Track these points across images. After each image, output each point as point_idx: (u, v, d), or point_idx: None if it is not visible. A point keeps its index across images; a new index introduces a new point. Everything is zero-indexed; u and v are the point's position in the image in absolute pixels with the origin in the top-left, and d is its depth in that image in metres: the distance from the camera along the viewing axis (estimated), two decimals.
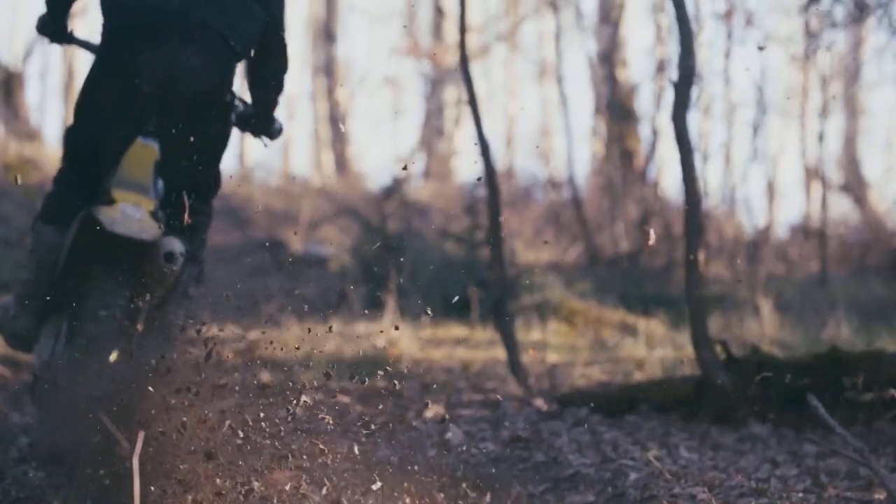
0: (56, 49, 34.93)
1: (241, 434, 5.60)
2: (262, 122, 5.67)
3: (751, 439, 6.25)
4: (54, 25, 5.60)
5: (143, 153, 5.25)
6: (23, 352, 5.84)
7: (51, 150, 20.58)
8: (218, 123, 5.32)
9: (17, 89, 19.48)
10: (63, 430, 4.91)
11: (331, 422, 6.22)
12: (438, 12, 22.45)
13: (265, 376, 7.67)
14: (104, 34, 5.28)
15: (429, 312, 7.76)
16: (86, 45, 5.65)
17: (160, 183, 5.27)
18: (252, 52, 5.40)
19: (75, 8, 5.69)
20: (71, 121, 5.42)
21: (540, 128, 27.48)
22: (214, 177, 5.45)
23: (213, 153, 5.34)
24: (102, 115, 5.24)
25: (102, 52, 5.30)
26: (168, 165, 5.25)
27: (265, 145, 5.86)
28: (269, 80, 5.61)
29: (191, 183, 5.21)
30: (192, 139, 5.12)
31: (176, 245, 5.22)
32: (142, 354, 4.99)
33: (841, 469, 5.63)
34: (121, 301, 5.23)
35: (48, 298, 5.31)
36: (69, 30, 5.62)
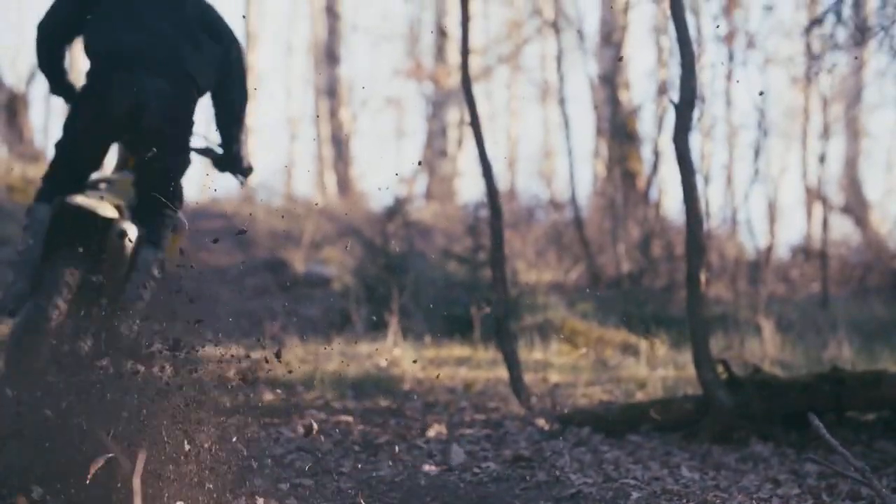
0: None
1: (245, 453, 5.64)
2: (232, 162, 6.54)
3: (752, 459, 6.26)
4: (62, 88, 6.59)
5: (123, 185, 6.40)
6: (9, 316, 6.38)
7: None
8: (181, 143, 6.31)
9: (21, 111, 19.53)
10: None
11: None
12: (441, 34, 22.52)
13: (268, 396, 7.71)
14: (87, 71, 6.28)
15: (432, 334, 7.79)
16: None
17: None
18: (213, 87, 6.40)
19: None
20: (61, 133, 6.41)
21: (542, 149, 27.55)
22: (177, 187, 6.36)
23: (176, 168, 6.32)
24: (82, 130, 6.29)
25: (85, 83, 6.30)
26: (139, 175, 6.32)
27: (241, 184, 6.74)
28: (228, 111, 6.48)
29: (157, 189, 6.14)
30: (157, 156, 6.11)
31: (129, 227, 6.19)
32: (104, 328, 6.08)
33: (843, 489, 5.65)
34: (82, 272, 6.14)
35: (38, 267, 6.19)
36: (69, 83, 6.56)
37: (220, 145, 6.50)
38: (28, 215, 6.36)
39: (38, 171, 17.25)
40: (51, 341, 6.02)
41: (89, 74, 6.32)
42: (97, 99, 6.24)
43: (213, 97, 6.47)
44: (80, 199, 6.22)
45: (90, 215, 6.19)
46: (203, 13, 6.49)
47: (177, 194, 6.38)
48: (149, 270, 6.34)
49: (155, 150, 6.14)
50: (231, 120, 6.53)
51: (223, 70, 6.43)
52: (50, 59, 6.59)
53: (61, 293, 6.14)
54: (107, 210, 6.24)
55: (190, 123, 6.33)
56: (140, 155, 6.26)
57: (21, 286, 6.23)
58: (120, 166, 6.68)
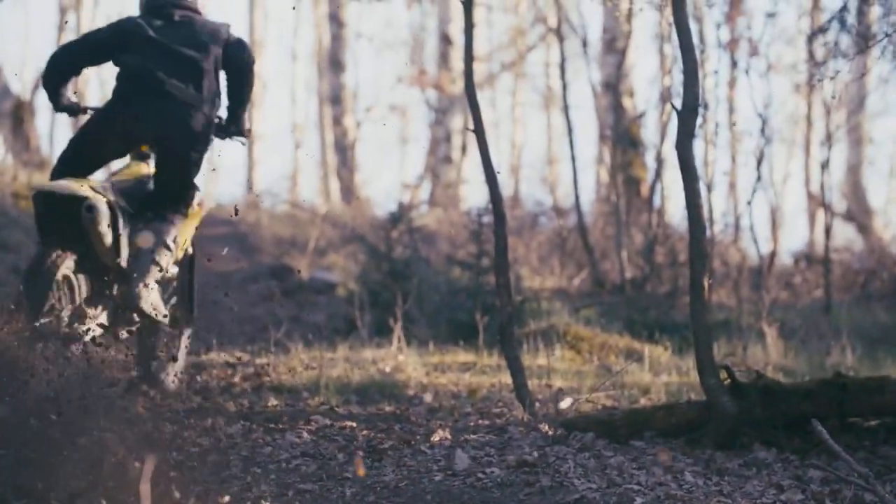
0: None
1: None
2: (235, 128, 7.74)
3: (756, 465, 6.28)
4: (64, 106, 7.66)
5: (127, 170, 7.65)
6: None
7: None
8: (198, 160, 7.48)
9: (27, 119, 19.57)
10: None
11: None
12: (445, 40, 22.55)
13: (272, 401, 7.74)
14: (115, 89, 7.46)
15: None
16: (93, 109, 7.73)
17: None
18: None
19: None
20: (76, 133, 7.65)
21: (545, 155, 27.57)
22: (191, 186, 7.58)
23: (190, 169, 7.49)
24: (99, 138, 7.43)
25: (112, 100, 7.44)
26: (158, 176, 7.52)
27: (242, 144, 7.94)
28: (237, 98, 7.68)
29: (172, 188, 7.49)
30: (173, 165, 7.43)
31: (99, 203, 7.02)
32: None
33: (846, 495, 5.67)
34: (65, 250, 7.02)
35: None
36: (71, 101, 7.67)
37: (227, 119, 7.71)
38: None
39: (43, 179, 17.30)
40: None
41: (116, 94, 7.45)
42: (122, 121, 7.39)
43: (228, 86, 7.63)
44: (48, 185, 7.20)
45: (62, 198, 7.01)
46: (218, 33, 7.59)
47: (192, 190, 7.61)
48: (162, 242, 7.36)
49: (174, 166, 7.43)
50: (238, 103, 7.69)
51: (237, 73, 7.61)
52: (59, 88, 7.61)
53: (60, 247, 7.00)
54: (76, 189, 7.03)
55: (208, 142, 7.54)
56: (160, 161, 7.52)
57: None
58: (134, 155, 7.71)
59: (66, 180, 7.16)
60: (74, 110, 7.75)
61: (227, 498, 5.19)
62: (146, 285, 7.32)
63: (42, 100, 26.08)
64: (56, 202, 7.04)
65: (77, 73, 7.75)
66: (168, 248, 7.40)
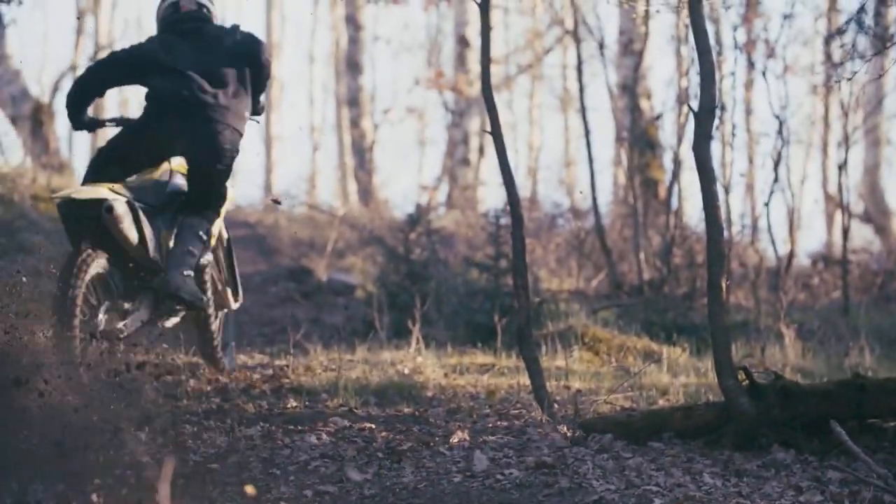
0: None
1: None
2: (253, 110, 8.42)
3: (774, 466, 6.28)
4: (84, 121, 8.38)
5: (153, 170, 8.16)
6: None
7: (79, 181, 20.74)
8: (221, 169, 8.18)
9: (46, 121, 19.61)
10: None
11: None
12: (462, 43, 22.57)
13: (291, 403, 7.76)
14: (145, 107, 8.19)
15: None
16: (115, 120, 8.53)
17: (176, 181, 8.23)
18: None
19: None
20: (107, 144, 8.28)
21: (563, 157, 27.56)
22: (222, 192, 8.30)
23: (220, 179, 8.23)
24: (129, 152, 8.11)
25: (142, 116, 8.19)
26: (191, 185, 8.17)
27: (257, 122, 8.68)
28: (254, 87, 8.38)
29: (204, 195, 8.20)
30: (204, 178, 8.16)
31: (117, 203, 7.52)
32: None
33: (865, 496, 5.68)
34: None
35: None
36: (90, 118, 8.43)
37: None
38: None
39: (62, 182, 17.33)
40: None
41: (147, 112, 8.20)
42: (152, 137, 8.11)
43: (246, 77, 8.31)
44: (68, 192, 7.69)
45: (82, 203, 7.53)
46: (239, 43, 8.35)
47: (224, 193, 8.34)
48: (197, 234, 8.06)
49: (205, 179, 8.15)
50: (255, 90, 8.39)
51: (252, 65, 8.32)
52: (82, 108, 8.33)
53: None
54: (94, 193, 7.57)
55: (235, 152, 8.22)
56: (193, 170, 8.18)
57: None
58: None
59: (86, 186, 7.81)
60: (93, 126, 8.52)
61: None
62: (182, 274, 7.94)
63: (61, 103, 26.20)
64: (78, 207, 7.52)
65: (101, 94, 8.66)
66: (201, 239, 8.11)
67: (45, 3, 40.02)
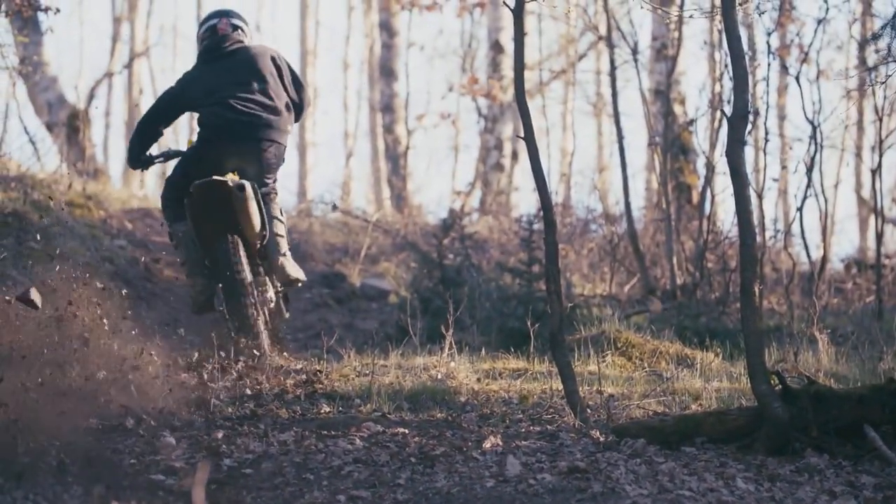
0: (119, 90, 35.32)
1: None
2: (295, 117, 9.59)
3: (808, 471, 6.27)
4: (142, 161, 9.49)
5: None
6: (209, 311, 9.28)
7: (115, 187, 20.84)
8: (267, 181, 9.31)
9: (82, 128, 19.71)
10: None
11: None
12: (496, 48, 22.58)
13: (325, 408, 7.79)
14: (199, 134, 9.28)
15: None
16: (165, 154, 9.67)
17: None
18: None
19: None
20: (175, 172, 9.43)
21: (596, 162, 27.53)
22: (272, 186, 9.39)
23: (269, 178, 9.37)
24: (196, 168, 9.06)
25: (198, 144, 9.26)
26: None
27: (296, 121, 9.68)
28: (294, 103, 9.54)
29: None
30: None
31: (245, 183, 8.83)
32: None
33: None
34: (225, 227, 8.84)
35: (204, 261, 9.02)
36: (145, 157, 9.48)
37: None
38: (174, 235, 9.32)
39: (97, 188, 17.45)
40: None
41: (201, 139, 9.25)
42: (210, 157, 9.09)
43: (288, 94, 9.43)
44: (201, 180, 8.76)
45: (217, 184, 8.73)
46: (270, 63, 9.38)
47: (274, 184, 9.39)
48: (275, 218, 9.24)
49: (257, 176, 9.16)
50: (297, 107, 9.52)
51: (291, 84, 9.47)
52: (143, 152, 9.47)
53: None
54: (227, 176, 8.81)
55: (280, 162, 9.36)
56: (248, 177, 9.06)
57: (205, 286, 9.16)
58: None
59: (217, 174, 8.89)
60: (148, 164, 9.53)
61: None
62: (284, 255, 9.28)
63: (97, 109, 26.35)
64: (213, 189, 8.76)
65: (158, 137, 9.62)
66: (281, 220, 9.28)
67: (81, 11, 40.23)
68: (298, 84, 9.60)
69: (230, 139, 9.10)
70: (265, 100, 9.25)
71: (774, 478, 6.12)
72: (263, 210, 9.03)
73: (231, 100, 9.16)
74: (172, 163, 9.75)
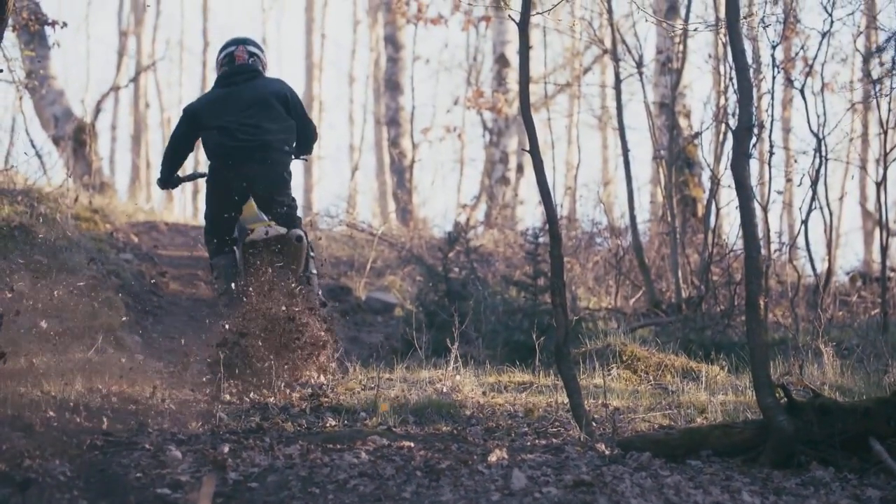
0: (126, 104, 35.38)
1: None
2: (300, 153, 10.36)
3: (813, 484, 6.27)
4: (170, 182, 10.29)
5: (249, 206, 9.64)
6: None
7: (121, 201, 20.85)
8: (279, 198, 9.84)
9: (88, 142, 19.75)
10: None
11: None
12: (501, 62, 22.62)
13: (331, 422, 7.80)
14: (210, 165, 9.92)
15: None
16: (190, 176, 10.58)
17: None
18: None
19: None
20: (207, 208, 10.02)
21: (601, 175, 27.55)
22: (291, 202, 9.96)
23: (282, 195, 9.89)
24: (219, 200, 9.81)
25: (210, 174, 9.92)
26: (263, 206, 9.69)
27: (304, 160, 10.75)
28: (303, 137, 10.22)
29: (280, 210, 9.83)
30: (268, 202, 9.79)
31: (300, 232, 9.53)
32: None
33: None
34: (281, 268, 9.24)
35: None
36: (177, 176, 10.28)
37: (297, 146, 10.18)
38: (215, 268, 10.00)
39: (104, 202, 17.48)
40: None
41: (212, 169, 9.91)
42: (223, 185, 9.78)
43: (297, 131, 10.08)
44: (263, 233, 9.42)
45: (279, 238, 9.39)
46: (278, 93, 10.00)
47: (293, 204, 9.98)
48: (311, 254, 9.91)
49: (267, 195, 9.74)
50: (304, 139, 10.23)
51: (299, 119, 10.10)
52: (174, 172, 10.24)
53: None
54: (281, 229, 9.45)
55: (287, 181, 9.93)
56: (259, 199, 9.70)
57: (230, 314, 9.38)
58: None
59: (258, 223, 9.56)
60: (176, 184, 10.34)
61: None
62: (314, 274, 9.95)
63: (103, 123, 26.34)
64: (272, 241, 9.41)
65: (183, 160, 10.42)
66: (306, 240, 9.69)
67: (88, 25, 40.34)
68: (307, 120, 10.27)
69: (235, 166, 9.72)
70: (266, 124, 9.85)
71: (780, 491, 6.12)
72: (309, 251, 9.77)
73: (233, 127, 9.81)
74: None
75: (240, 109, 9.86)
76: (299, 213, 10.21)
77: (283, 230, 9.44)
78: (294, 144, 10.11)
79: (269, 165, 9.76)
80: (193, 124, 10.01)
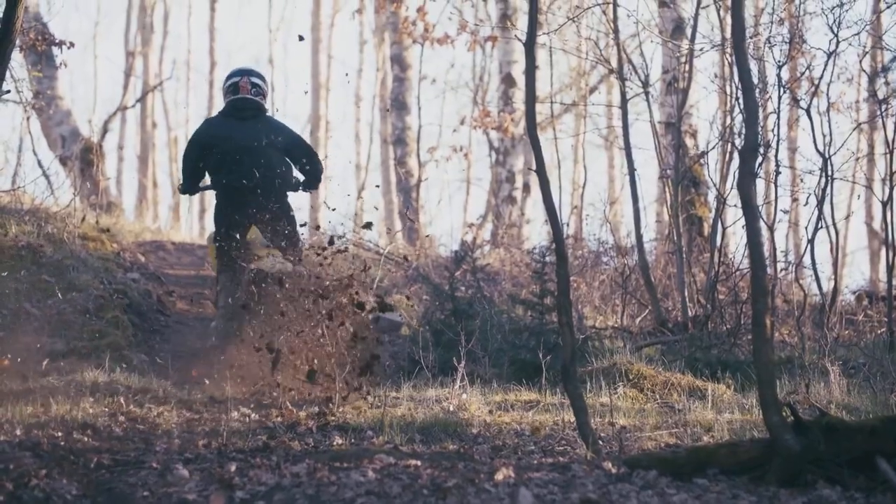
0: (133, 124, 35.52)
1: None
2: (305, 188, 11.24)
3: (820, 502, 6.26)
4: (191, 190, 11.23)
5: (254, 232, 10.80)
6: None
7: (128, 220, 20.87)
8: (284, 220, 10.68)
9: (95, 161, 19.78)
10: None
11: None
12: (507, 81, 22.65)
13: (337, 440, 7.81)
14: (216, 195, 11.06)
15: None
16: (209, 186, 11.17)
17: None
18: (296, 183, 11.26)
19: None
20: (215, 227, 11.11)
21: (607, 195, 27.54)
22: (294, 234, 10.83)
23: (283, 225, 10.67)
24: (226, 223, 10.85)
25: (217, 202, 10.99)
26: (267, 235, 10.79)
27: (309, 191, 11.37)
28: (310, 173, 11.14)
29: (278, 238, 10.71)
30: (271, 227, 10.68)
31: (303, 269, 9.65)
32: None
33: None
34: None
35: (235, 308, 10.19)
36: (192, 188, 11.19)
37: (304, 182, 11.17)
38: (220, 281, 10.88)
39: (111, 221, 17.50)
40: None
41: (218, 198, 10.96)
42: (229, 213, 10.81)
43: (303, 169, 11.03)
44: (272, 266, 10.06)
45: (278, 272, 9.73)
46: (279, 132, 10.96)
47: (296, 238, 10.82)
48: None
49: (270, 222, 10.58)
50: (310, 176, 11.10)
51: (306, 157, 11.01)
52: (195, 183, 11.16)
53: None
54: (287, 266, 10.06)
55: (288, 207, 10.92)
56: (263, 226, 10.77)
57: (232, 326, 10.21)
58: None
59: (270, 259, 10.45)
60: (196, 191, 11.25)
61: None
62: None
63: (110, 143, 26.39)
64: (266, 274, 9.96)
65: (202, 177, 11.19)
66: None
67: (95, 45, 40.45)
68: (311, 153, 11.11)
69: (238, 203, 10.79)
70: (265, 165, 10.77)
71: None
72: None
73: (234, 166, 10.80)
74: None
75: (241, 149, 10.79)
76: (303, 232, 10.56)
77: (289, 268, 10.02)
78: (293, 181, 11.06)
79: (270, 205, 10.57)
80: (201, 151, 11.00)
